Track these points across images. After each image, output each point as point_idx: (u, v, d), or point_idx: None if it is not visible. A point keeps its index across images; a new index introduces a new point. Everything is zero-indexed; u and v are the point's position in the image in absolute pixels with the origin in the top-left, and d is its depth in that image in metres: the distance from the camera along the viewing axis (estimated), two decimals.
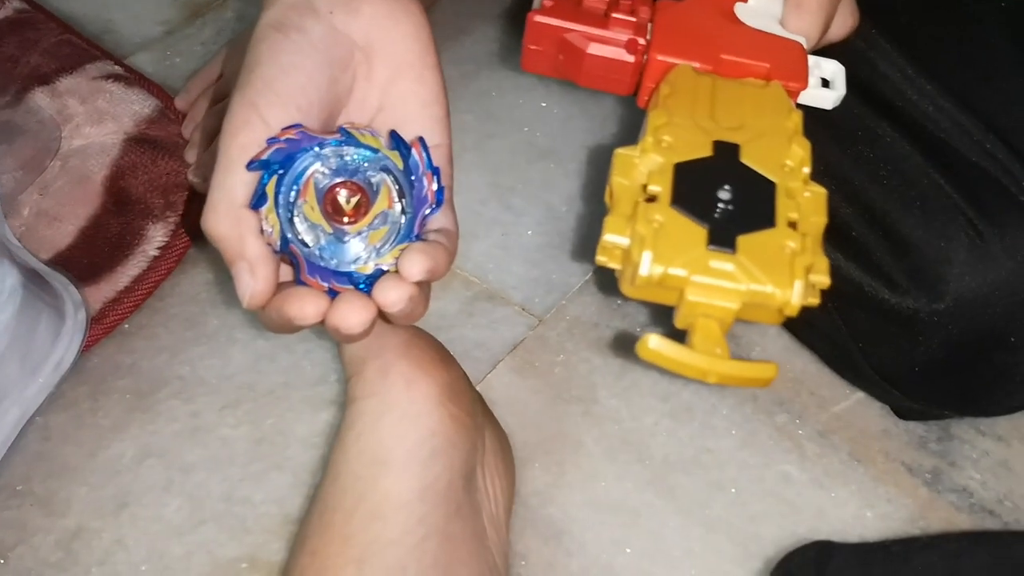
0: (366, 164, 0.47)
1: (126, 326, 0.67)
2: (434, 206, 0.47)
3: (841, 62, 0.52)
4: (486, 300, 0.71)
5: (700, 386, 0.66)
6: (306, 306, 0.45)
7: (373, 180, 0.47)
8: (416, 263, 0.45)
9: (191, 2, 0.91)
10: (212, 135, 0.72)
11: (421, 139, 0.47)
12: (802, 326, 0.68)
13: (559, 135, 0.81)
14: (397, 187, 0.47)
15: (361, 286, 0.46)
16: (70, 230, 0.67)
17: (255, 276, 0.45)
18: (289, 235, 0.45)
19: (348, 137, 0.47)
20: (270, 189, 0.45)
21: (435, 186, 0.47)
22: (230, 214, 0.45)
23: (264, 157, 0.44)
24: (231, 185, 0.45)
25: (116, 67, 0.78)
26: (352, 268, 0.46)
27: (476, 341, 0.68)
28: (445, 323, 0.69)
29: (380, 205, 0.47)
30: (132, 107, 0.74)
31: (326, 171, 0.46)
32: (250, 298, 0.45)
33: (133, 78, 0.77)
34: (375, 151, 0.47)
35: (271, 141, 0.45)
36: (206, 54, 0.85)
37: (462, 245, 0.72)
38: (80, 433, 0.62)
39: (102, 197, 0.69)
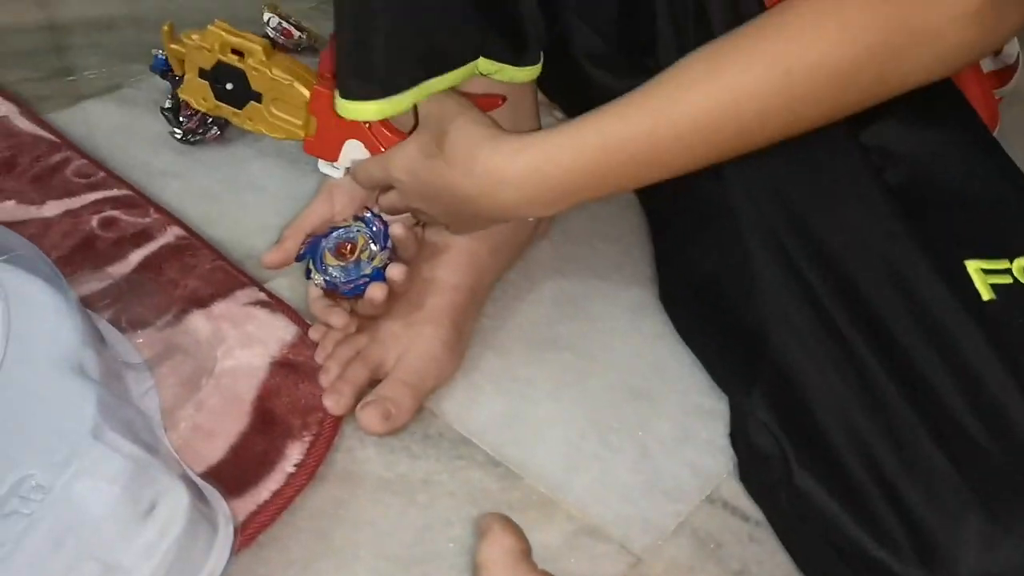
0: (353, 230, 0.85)
1: (260, 538, 0.73)
2: (385, 227, 0.84)
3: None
4: (587, 535, 0.76)
5: None
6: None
7: (355, 236, 0.85)
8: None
9: None
10: None
11: (380, 216, 0.85)
12: None
13: (654, 377, 0.88)
14: (369, 235, 0.84)
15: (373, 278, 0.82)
16: (221, 445, 0.75)
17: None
18: (328, 279, 0.82)
19: (338, 229, 0.86)
20: (311, 265, 0.84)
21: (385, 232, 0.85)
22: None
23: (301, 252, 0.86)
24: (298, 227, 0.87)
25: (261, 293, 0.87)
26: (362, 276, 0.82)
27: None
28: (549, 555, 0.74)
29: (363, 246, 0.84)
30: (277, 332, 0.83)
31: (333, 244, 0.85)
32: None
33: (275, 304, 0.86)
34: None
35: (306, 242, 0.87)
36: None
37: (565, 477, 0.79)
38: None
39: (251, 416, 0.76)
